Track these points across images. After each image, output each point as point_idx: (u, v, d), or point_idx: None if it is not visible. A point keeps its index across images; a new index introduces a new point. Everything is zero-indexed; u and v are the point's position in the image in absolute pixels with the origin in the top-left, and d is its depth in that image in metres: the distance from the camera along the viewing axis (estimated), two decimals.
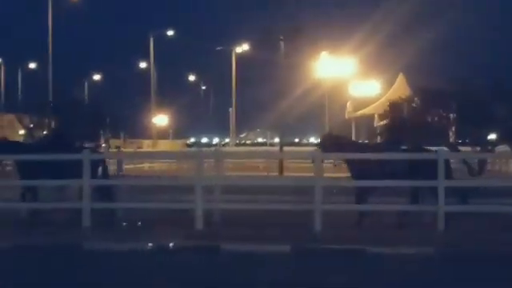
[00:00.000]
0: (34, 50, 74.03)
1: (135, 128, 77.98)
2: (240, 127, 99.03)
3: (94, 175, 16.03)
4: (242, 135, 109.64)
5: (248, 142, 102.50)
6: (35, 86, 72.70)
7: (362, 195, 15.85)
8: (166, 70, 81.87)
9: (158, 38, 75.58)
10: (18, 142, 18.54)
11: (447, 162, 15.26)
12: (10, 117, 69.01)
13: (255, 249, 13.16)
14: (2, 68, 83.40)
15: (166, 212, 16.51)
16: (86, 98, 73.95)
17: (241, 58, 77.99)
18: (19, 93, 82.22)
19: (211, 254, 13.06)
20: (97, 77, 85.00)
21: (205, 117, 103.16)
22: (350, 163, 16.10)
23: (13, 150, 16.73)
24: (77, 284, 10.80)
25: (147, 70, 78.38)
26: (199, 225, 15.26)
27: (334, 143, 16.33)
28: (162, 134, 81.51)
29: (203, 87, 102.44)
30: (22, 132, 65.98)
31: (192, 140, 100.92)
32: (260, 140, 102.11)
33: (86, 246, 13.56)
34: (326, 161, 17.63)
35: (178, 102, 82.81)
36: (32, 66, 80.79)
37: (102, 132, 61.83)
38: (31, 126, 62.42)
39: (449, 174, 15.26)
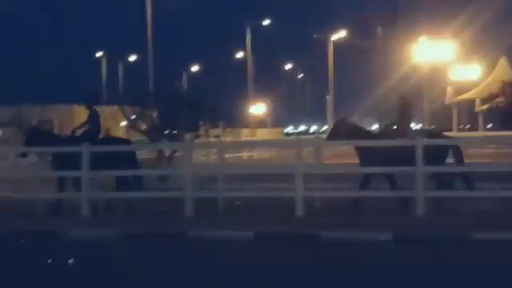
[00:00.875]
0: (135, 42, 75.47)
1: (234, 117, 78.66)
2: (337, 114, 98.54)
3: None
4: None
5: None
6: (136, 78, 74.25)
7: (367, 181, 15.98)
8: (262, 59, 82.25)
9: (254, 28, 76.06)
10: (120, 138, 19.24)
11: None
12: (113, 108, 70.73)
13: (357, 236, 13.18)
14: (104, 60, 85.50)
15: (266, 200, 16.67)
16: (186, 88, 75.01)
17: (337, 45, 77.59)
18: (120, 85, 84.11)
19: (312, 241, 13.14)
20: (195, 68, 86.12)
21: (302, 105, 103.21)
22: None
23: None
24: (190, 272, 11.02)
25: (244, 59, 78.93)
26: (300, 212, 15.38)
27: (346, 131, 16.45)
28: (260, 123, 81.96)
29: (300, 75, 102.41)
30: (123, 123, 67.47)
31: (290, 128, 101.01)
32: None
33: (189, 233, 13.84)
34: None
35: (276, 91, 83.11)
36: (132, 58, 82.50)
37: (201, 122, 62.62)
38: (133, 117, 63.68)
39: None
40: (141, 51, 72.91)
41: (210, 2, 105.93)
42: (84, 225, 15.10)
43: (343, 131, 16.44)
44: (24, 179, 19.85)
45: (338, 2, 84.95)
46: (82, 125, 17.77)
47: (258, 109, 78.76)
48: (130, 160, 17.22)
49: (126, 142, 18.73)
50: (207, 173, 18.24)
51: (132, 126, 65.07)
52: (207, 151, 29.61)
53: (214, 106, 63.68)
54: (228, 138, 58.60)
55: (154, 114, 59.82)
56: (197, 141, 30.28)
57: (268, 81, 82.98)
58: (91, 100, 18.15)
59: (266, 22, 76.65)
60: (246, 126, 77.62)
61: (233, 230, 13.82)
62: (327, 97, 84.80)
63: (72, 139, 17.57)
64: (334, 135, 16.58)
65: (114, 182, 17.50)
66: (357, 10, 77.39)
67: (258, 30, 76.81)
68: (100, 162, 16.54)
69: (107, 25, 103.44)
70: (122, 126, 72.26)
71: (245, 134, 73.78)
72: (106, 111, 76.01)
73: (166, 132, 59.28)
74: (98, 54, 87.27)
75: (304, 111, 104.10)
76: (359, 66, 77.23)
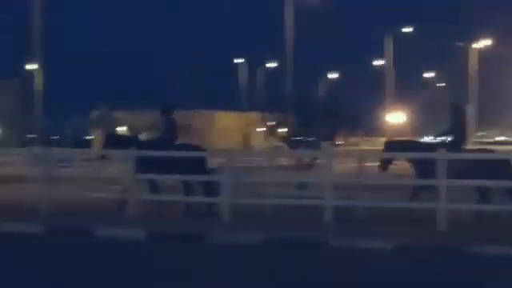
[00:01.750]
0: (274, 49, 76.16)
1: (372, 126, 78.09)
2: (479, 125, 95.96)
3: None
4: (480, 133, 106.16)
5: (489, 140, 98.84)
6: (275, 85, 74.91)
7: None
8: (402, 67, 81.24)
9: (395, 35, 75.27)
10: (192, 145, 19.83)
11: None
12: (252, 115, 71.68)
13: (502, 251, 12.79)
14: (244, 68, 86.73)
15: (405, 210, 16.39)
16: (324, 95, 75.05)
17: (479, 53, 75.71)
18: (259, 92, 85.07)
19: (453, 255, 12.85)
20: (334, 75, 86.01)
21: (442, 114, 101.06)
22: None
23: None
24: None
25: (383, 67, 78.21)
26: (442, 225, 15.05)
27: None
28: (399, 132, 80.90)
29: (440, 84, 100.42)
30: (262, 129, 68.33)
31: (430, 138, 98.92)
32: (500, 138, 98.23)
33: (330, 242, 13.82)
34: None
35: (415, 99, 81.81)
36: (271, 64, 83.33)
37: (339, 130, 62.49)
38: (273, 123, 64.34)
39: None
40: (280, 58, 73.52)
41: (349, 10, 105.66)
42: (225, 229, 15.31)
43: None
44: None
45: (482, 10, 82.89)
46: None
47: (395, 117, 77.75)
48: (198, 166, 17.69)
49: (198, 149, 19.17)
50: (347, 181, 18.11)
51: (271, 132, 65.85)
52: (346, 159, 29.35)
53: (353, 114, 63.58)
54: (365, 147, 58.32)
55: (293, 121, 60.31)
56: (335, 149, 30.13)
57: (407, 89, 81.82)
58: (167, 109, 18.96)
59: (407, 30, 75.72)
60: (384, 135, 76.84)
61: (372, 240, 13.68)
62: (468, 107, 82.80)
63: (147, 144, 18.82)
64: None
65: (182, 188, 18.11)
66: (502, 18, 75.27)
67: (398, 38, 75.95)
68: (169, 167, 17.21)
69: (247, 32, 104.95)
70: (260, 132, 73.22)
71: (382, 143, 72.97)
72: (247, 118, 77.36)
73: (303, 138, 59.66)
74: (238, 61, 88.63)
75: (445, 121, 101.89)
76: (503, 75, 75.03)
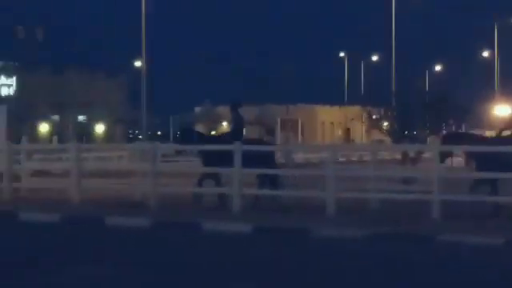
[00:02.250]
0: (377, 41, 75.43)
1: (479, 119, 76.35)
2: None
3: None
4: None
5: None
6: (378, 78, 74.17)
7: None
8: (509, 58, 79.12)
9: (501, 25, 73.38)
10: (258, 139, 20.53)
11: None
12: (356, 109, 71.22)
13: None
14: (346, 61, 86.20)
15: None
16: (429, 88, 73.86)
17: None
18: (362, 84, 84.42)
19: None
20: (439, 67, 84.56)
21: None
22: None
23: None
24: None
25: (489, 58, 76.36)
26: None
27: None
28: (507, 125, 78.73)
29: None
30: (365, 123, 67.78)
31: None
32: None
33: (438, 237, 13.57)
34: None
35: None
36: (375, 57, 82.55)
37: (444, 123, 61.37)
38: (376, 116, 63.77)
39: None
40: (383, 50, 72.73)
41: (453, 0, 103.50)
42: (329, 223, 15.24)
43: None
44: None
45: None
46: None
47: (503, 110, 75.76)
48: (268, 161, 18.23)
49: (263, 143, 20.14)
50: (454, 176, 17.76)
51: (374, 126, 65.27)
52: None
53: (458, 107, 62.27)
54: None
55: (396, 114, 59.57)
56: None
57: None
58: (235, 105, 19.47)
59: None
60: (491, 128, 75.00)
61: (481, 236, 13.37)
62: None
63: (217, 139, 19.67)
64: None
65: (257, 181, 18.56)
66: None
67: (505, 28, 74.00)
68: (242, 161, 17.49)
69: (350, 25, 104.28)
70: (363, 126, 72.64)
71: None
72: (350, 111, 76.87)
73: (406, 133, 58.86)
74: (341, 54, 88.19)
75: None
76: None
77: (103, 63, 77.69)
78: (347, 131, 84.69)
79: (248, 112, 79.86)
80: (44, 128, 78.20)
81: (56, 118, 79.43)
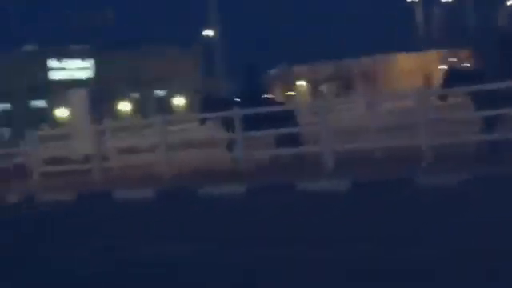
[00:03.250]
0: None
1: None
2: None
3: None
4: None
5: None
6: (452, 20, 72.39)
7: None
8: None
9: None
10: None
11: None
12: (433, 54, 69.87)
13: None
14: (419, 6, 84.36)
15: None
16: (506, 25, 71.68)
17: None
18: (437, 30, 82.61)
19: None
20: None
21: None
22: None
23: None
24: None
25: None
26: None
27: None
28: None
29: None
30: (443, 67, 66.34)
31: None
32: None
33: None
34: None
35: None
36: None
37: None
38: (455, 60, 62.46)
39: None
40: None
41: None
42: (428, 171, 14.81)
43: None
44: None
45: None
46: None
47: None
48: (291, 120, 18.57)
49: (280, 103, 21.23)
50: None
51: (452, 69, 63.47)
52: None
53: None
54: None
55: (475, 56, 58.07)
56: None
57: None
58: (251, 67, 20.85)
59: None
60: None
61: None
62: None
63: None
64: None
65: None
66: None
67: None
68: (264, 123, 17.89)
69: None
70: (441, 70, 71.14)
71: None
72: (424, 58, 75.23)
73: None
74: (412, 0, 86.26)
75: None
76: None
77: (175, 36, 77.83)
78: (428, 78, 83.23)
79: (324, 70, 79.20)
80: (125, 106, 79.01)
81: (135, 95, 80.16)
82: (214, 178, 17.35)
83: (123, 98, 79.56)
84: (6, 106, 71.03)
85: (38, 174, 22.21)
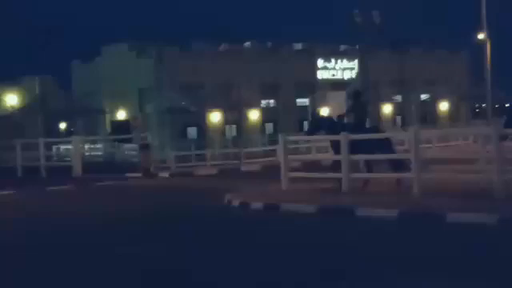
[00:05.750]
0: None
1: None
2: None
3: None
4: None
5: None
6: None
7: None
8: None
9: None
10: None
11: None
12: None
13: None
14: None
15: None
16: None
17: None
18: None
19: None
20: None
21: None
22: None
23: None
24: None
25: None
26: None
27: None
28: None
29: None
30: None
31: None
32: None
33: None
34: None
35: None
36: None
37: None
38: None
39: None
40: None
41: None
42: None
43: None
44: None
45: None
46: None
47: None
48: (388, 147, 19.67)
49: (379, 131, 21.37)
50: None
51: None
52: None
53: None
54: None
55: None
56: None
57: None
58: (356, 95, 21.24)
59: None
60: None
61: None
62: None
63: (343, 125, 20.35)
64: None
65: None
66: None
67: None
68: (362, 148, 19.20)
69: None
70: None
71: None
72: None
73: None
74: None
75: None
76: None
77: (443, 37, 75.60)
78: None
79: None
80: (387, 109, 77.99)
81: (398, 98, 78.89)
82: (469, 202, 15.86)
83: (387, 100, 78.84)
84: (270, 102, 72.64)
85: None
